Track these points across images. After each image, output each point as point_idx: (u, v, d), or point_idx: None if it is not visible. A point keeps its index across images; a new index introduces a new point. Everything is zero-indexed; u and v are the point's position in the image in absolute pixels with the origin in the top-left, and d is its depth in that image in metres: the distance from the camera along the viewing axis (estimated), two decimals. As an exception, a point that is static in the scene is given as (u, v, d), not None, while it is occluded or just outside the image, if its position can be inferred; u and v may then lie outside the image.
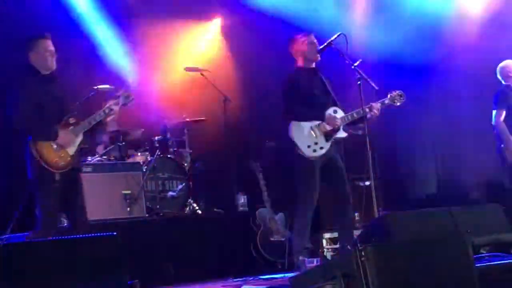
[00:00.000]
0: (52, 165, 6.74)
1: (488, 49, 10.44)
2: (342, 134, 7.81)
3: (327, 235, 9.54)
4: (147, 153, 9.73)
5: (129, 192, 8.74)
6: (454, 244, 4.42)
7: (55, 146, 6.78)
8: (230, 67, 11.38)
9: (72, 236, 6.20)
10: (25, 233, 8.44)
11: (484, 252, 6.06)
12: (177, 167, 9.81)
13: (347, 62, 7.54)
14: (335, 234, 9.37)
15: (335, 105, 7.82)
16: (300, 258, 7.44)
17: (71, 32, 10.14)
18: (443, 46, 10.86)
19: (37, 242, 6.36)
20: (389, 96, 7.88)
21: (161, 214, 9.20)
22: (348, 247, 7.42)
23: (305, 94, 7.73)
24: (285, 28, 10.37)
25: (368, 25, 10.97)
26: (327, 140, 7.71)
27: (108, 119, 7.18)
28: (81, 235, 6.11)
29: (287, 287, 4.97)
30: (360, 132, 8.13)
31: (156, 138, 9.98)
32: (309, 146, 7.65)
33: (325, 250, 9.42)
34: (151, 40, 10.97)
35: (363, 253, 3.99)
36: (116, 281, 5.24)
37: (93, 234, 6.23)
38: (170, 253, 8.32)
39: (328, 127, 7.68)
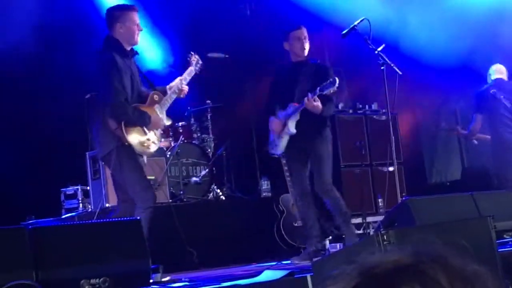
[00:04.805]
0: (141, 150, 6.58)
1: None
2: (287, 130, 7.67)
3: (350, 221, 9.56)
4: (171, 138, 9.77)
5: (153, 177, 8.76)
6: (476, 228, 4.41)
7: (145, 130, 6.60)
8: (253, 51, 11.38)
9: (96, 221, 6.27)
10: (49, 219, 8.54)
11: (508, 237, 6.05)
12: (201, 153, 9.84)
13: (370, 47, 7.52)
14: (359, 220, 9.38)
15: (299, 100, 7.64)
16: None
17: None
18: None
19: (63, 226, 6.43)
20: (320, 86, 7.41)
21: (185, 199, 9.25)
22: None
23: (281, 90, 7.81)
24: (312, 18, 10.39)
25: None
26: (278, 137, 7.81)
27: (182, 94, 7.02)
28: (105, 220, 6.15)
29: (310, 271, 4.97)
30: (383, 118, 8.11)
31: (180, 124, 10.00)
32: (270, 144, 7.95)
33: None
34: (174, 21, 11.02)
35: (385, 237, 3.98)
36: (139, 265, 5.27)
37: (117, 219, 6.28)
38: (193, 238, 8.36)
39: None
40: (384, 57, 7.49)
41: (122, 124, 6.44)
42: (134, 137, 6.52)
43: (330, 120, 9.14)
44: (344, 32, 7.74)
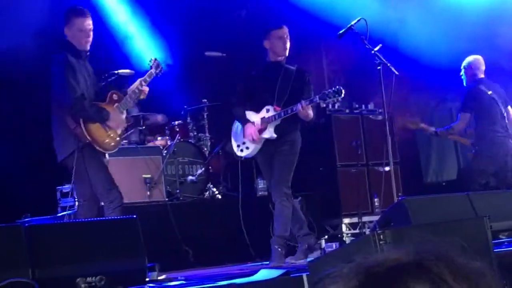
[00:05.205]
0: (103, 146, 6.63)
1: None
2: (268, 134, 7.43)
3: (346, 220, 9.56)
4: (167, 137, 9.77)
5: (149, 176, 8.78)
6: (472, 228, 4.42)
7: (105, 127, 6.66)
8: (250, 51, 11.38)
9: (93, 219, 6.26)
10: (45, 217, 8.53)
11: (503, 237, 6.06)
12: (197, 152, 9.84)
13: (367, 47, 7.50)
14: (355, 219, 9.40)
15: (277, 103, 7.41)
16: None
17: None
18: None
19: (60, 224, 6.44)
20: (321, 94, 7.28)
21: (181, 198, 9.24)
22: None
23: (258, 91, 7.60)
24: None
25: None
26: (252, 141, 7.51)
27: (142, 94, 7.01)
28: (101, 218, 6.16)
29: (306, 271, 4.98)
30: (380, 117, 8.11)
31: (176, 122, 10.00)
32: (238, 146, 7.70)
33: (344, 235, 9.45)
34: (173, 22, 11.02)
35: (381, 237, 3.99)
36: (135, 263, 5.28)
37: (113, 217, 6.28)
38: (189, 237, 8.36)
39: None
40: (381, 57, 7.47)
41: (81, 121, 6.51)
42: (94, 134, 6.58)
43: (326, 120, 9.15)
44: (340, 32, 7.71)
